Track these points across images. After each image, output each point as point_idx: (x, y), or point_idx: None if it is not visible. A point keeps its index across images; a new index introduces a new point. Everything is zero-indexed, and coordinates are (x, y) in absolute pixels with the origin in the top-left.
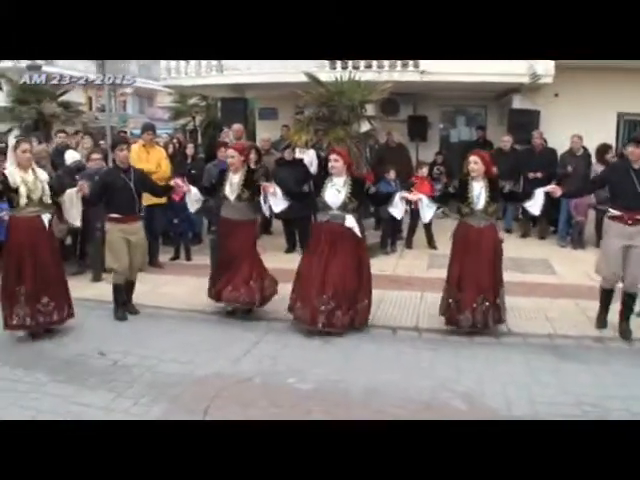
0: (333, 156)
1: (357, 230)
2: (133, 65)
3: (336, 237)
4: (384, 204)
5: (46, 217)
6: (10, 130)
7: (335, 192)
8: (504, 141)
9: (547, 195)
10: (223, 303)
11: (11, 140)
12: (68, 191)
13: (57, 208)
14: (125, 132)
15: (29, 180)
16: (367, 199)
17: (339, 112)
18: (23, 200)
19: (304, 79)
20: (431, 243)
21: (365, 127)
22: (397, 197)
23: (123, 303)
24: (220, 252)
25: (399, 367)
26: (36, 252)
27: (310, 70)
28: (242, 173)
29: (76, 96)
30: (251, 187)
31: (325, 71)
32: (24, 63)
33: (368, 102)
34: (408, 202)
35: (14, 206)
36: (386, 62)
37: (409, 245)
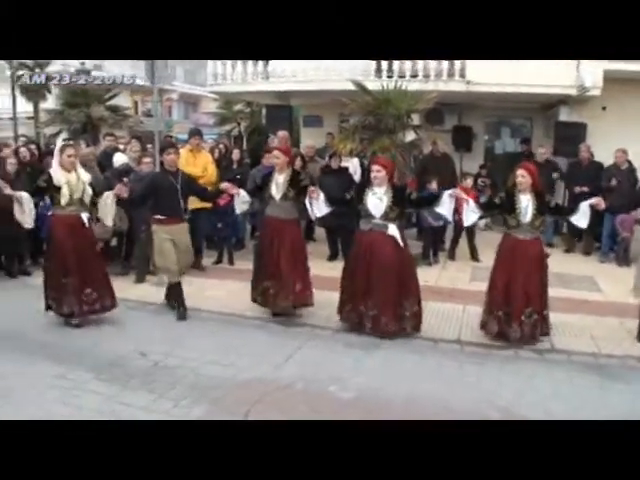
0: (376, 167)
1: (399, 238)
2: (179, 71)
3: (379, 246)
4: (429, 205)
5: (84, 216)
6: (59, 132)
7: (377, 201)
8: (540, 153)
9: (592, 208)
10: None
11: (58, 143)
12: (105, 193)
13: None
14: (171, 137)
15: (72, 181)
16: (410, 204)
17: (385, 121)
18: (65, 199)
19: (349, 87)
20: (474, 255)
21: (410, 136)
22: (446, 195)
23: (183, 304)
24: (264, 250)
25: (440, 379)
26: (77, 247)
27: (356, 78)
28: (287, 173)
29: (123, 100)
30: (296, 187)
31: (370, 79)
32: (72, 67)
33: (414, 111)
34: (455, 210)
35: (56, 204)
36: (432, 71)
37: (452, 257)
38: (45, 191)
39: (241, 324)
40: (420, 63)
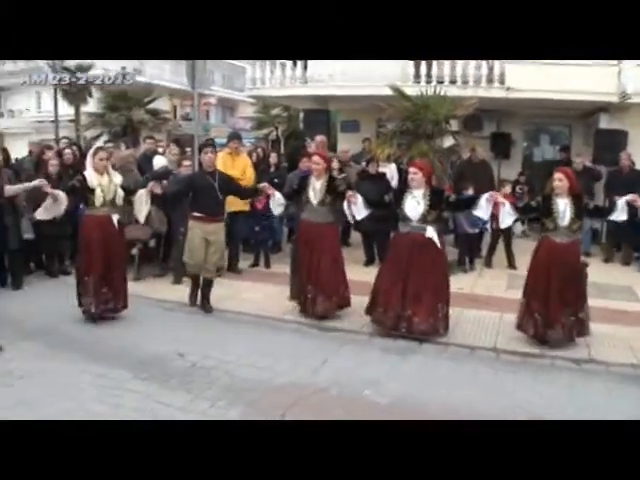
0: (412, 169)
1: (437, 240)
2: (217, 76)
3: (416, 247)
4: (467, 208)
5: (115, 217)
6: (100, 135)
7: (415, 204)
8: (576, 162)
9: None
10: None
11: (94, 146)
12: (139, 191)
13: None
14: (213, 139)
15: (104, 183)
16: (448, 206)
17: (423, 126)
18: (98, 200)
19: (387, 92)
20: (511, 263)
21: (449, 142)
22: (483, 198)
23: (195, 290)
24: (301, 255)
25: (476, 386)
26: (104, 247)
27: (394, 83)
28: (325, 179)
29: (162, 104)
30: (333, 193)
31: (409, 85)
32: (113, 71)
33: (453, 117)
34: (492, 217)
35: (89, 205)
36: (471, 77)
37: (489, 264)
38: (79, 191)
39: (277, 327)
40: (459, 69)
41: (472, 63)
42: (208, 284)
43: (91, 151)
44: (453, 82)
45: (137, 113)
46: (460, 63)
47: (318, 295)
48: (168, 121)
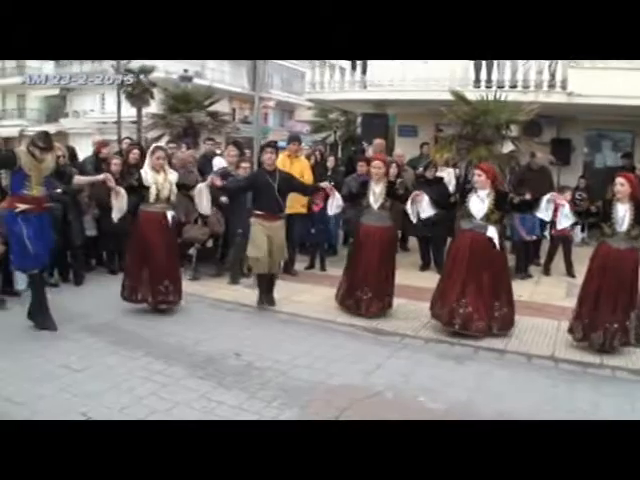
0: (477, 171)
1: (497, 241)
2: (276, 79)
3: (477, 245)
4: (529, 210)
5: (170, 213)
6: (161, 136)
7: (479, 203)
8: (639, 168)
9: None
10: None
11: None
12: (199, 185)
13: (199, 215)
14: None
15: (159, 180)
16: (512, 208)
17: (483, 131)
18: (152, 197)
19: (446, 97)
20: (570, 271)
21: (508, 148)
22: (544, 200)
23: (264, 292)
24: (360, 258)
25: (533, 396)
26: (159, 242)
27: (454, 88)
28: (384, 183)
29: (221, 107)
30: (393, 196)
31: (469, 89)
32: (175, 74)
33: (514, 122)
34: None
35: (145, 201)
36: (532, 82)
37: (547, 272)
38: (136, 190)
39: (331, 330)
40: (520, 73)
41: (533, 68)
42: (272, 279)
43: (150, 150)
44: (513, 87)
45: (197, 115)
46: (521, 68)
47: (373, 298)
48: (227, 123)
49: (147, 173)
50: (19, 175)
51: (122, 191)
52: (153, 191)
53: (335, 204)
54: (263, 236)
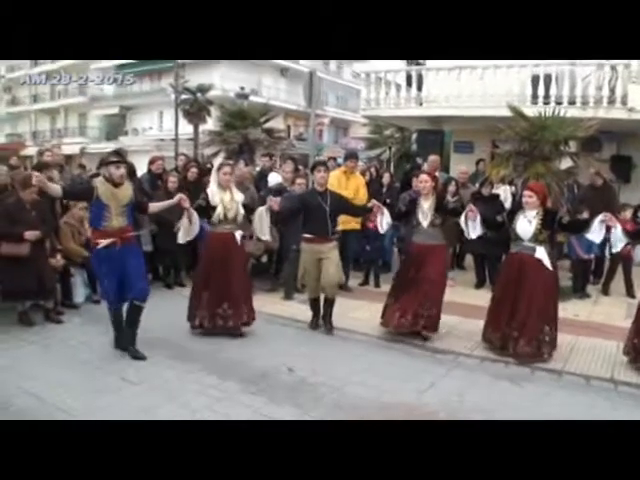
0: (527, 192)
1: (547, 262)
2: (331, 97)
3: (525, 267)
4: (580, 231)
5: (238, 234)
6: (218, 152)
7: (526, 224)
8: None
9: None
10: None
11: (216, 161)
12: (259, 209)
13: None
14: (335, 159)
15: (226, 200)
16: (561, 228)
17: (541, 147)
18: (220, 217)
19: (503, 113)
20: (630, 291)
21: (566, 164)
22: (597, 221)
23: (316, 315)
24: (404, 274)
25: (592, 420)
26: (226, 264)
27: (511, 104)
28: (432, 199)
29: (277, 124)
30: (443, 212)
31: (526, 105)
32: (232, 92)
33: (573, 138)
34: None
35: (212, 222)
36: (591, 98)
37: (606, 292)
38: (204, 210)
39: (385, 347)
40: (579, 89)
41: (593, 83)
42: (330, 304)
43: (216, 166)
44: (572, 103)
45: (253, 132)
46: (580, 83)
47: (425, 313)
48: (282, 140)
49: (213, 191)
50: (97, 206)
51: (195, 215)
52: (220, 211)
53: (385, 222)
54: (313, 262)
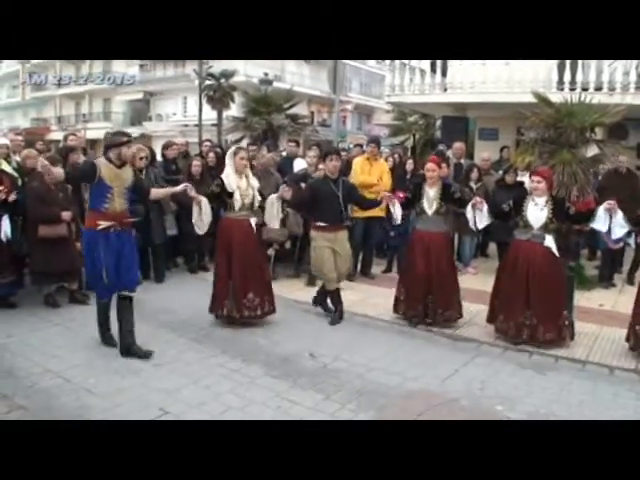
0: (536, 177)
1: (555, 250)
2: (355, 83)
3: (536, 256)
4: (586, 222)
5: (254, 220)
6: (241, 138)
7: (538, 212)
8: None
9: None
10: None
11: (232, 147)
12: (271, 197)
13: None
14: (361, 145)
15: (243, 186)
16: (568, 219)
17: (566, 135)
18: (237, 204)
19: (528, 99)
20: None
21: (592, 151)
22: (601, 209)
23: (339, 308)
24: (416, 265)
25: (615, 410)
26: (244, 251)
27: (537, 90)
28: (438, 187)
29: (300, 110)
30: (448, 201)
31: (552, 92)
32: (255, 78)
33: (599, 125)
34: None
35: (228, 209)
36: (618, 84)
37: (631, 281)
38: (218, 197)
39: (408, 334)
40: (605, 75)
41: (620, 69)
42: (337, 294)
43: (231, 150)
44: (599, 89)
45: (277, 118)
46: (607, 69)
47: (437, 305)
48: (306, 126)
49: (229, 177)
50: (99, 188)
51: (203, 200)
52: (237, 198)
53: (398, 212)
54: (326, 251)
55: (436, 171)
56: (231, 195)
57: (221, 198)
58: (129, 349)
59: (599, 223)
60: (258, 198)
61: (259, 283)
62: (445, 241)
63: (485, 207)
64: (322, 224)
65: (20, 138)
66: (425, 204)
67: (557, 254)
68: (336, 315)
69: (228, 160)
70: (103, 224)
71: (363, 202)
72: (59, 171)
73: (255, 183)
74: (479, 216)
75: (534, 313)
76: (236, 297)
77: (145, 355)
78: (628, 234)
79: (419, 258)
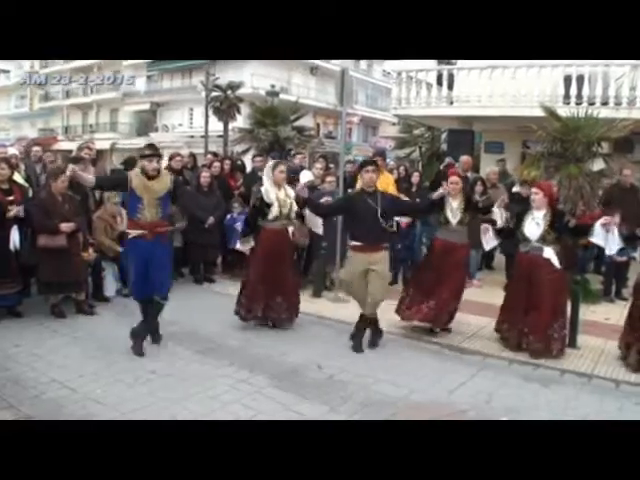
0: (534, 189)
1: (555, 261)
2: (361, 95)
3: (536, 267)
4: (585, 235)
5: (291, 229)
6: (248, 150)
7: (534, 225)
8: None
9: None
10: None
11: (269, 162)
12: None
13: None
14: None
15: (281, 197)
16: (567, 232)
17: (573, 148)
18: (275, 214)
19: (535, 113)
20: None
21: (598, 165)
22: (598, 224)
23: (359, 331)
24: (426, 270)
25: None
26: (279, 259)
27: (543, 104)
28: (461, 198)
29: (307, 122)
30: (473, 210)
31: (558, 106)
32: (262, 90)
33: (606, 139)
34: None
35: (264, 218)
36: (624, 98)
37: None
38: (259, 210)
39: (413, 346)
40: (612, 89)
41: (626, 84)
42: (373, 322)
43: (270, 164)
44: (605, 103)
45: (284, 129)
46: (613, 84)
47: (439, 312)
48: (312, 138)
49: (268, 190)
50: (132, 198)
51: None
52: (275, 208)
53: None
54: (360, 273)
55: (459, 184)
56: (269, 206)
57: (261, 210)
58: (136, 336)
59: (597, 237)
60: (295, 208)
61: (289, 288)
62: (462, 251)
63: (490, 231)
64: (357, 244)
65: (37, 148)
66: (449, 214)
67: (557, 265)
68: (375, 338)
69: (267, 173)
70: (132, 232)
71: (411, 207)
72: (89, 177)
73: (292, 193)
74: (485, 239)
75: (527, 323)
76: (264, 300)
77: (156, 340)
78: (633, 248)
79: (434, 266)
